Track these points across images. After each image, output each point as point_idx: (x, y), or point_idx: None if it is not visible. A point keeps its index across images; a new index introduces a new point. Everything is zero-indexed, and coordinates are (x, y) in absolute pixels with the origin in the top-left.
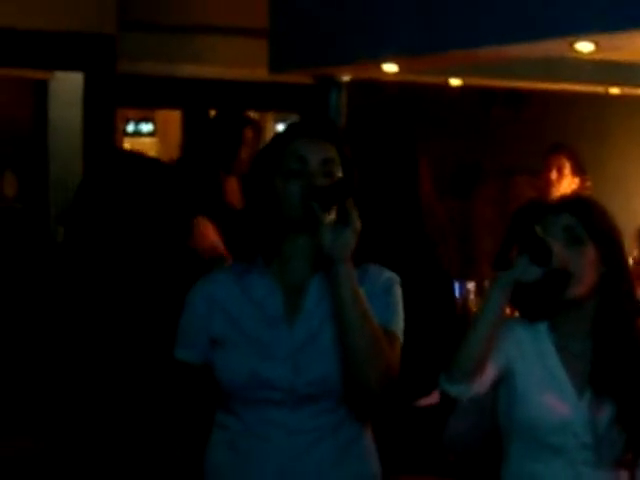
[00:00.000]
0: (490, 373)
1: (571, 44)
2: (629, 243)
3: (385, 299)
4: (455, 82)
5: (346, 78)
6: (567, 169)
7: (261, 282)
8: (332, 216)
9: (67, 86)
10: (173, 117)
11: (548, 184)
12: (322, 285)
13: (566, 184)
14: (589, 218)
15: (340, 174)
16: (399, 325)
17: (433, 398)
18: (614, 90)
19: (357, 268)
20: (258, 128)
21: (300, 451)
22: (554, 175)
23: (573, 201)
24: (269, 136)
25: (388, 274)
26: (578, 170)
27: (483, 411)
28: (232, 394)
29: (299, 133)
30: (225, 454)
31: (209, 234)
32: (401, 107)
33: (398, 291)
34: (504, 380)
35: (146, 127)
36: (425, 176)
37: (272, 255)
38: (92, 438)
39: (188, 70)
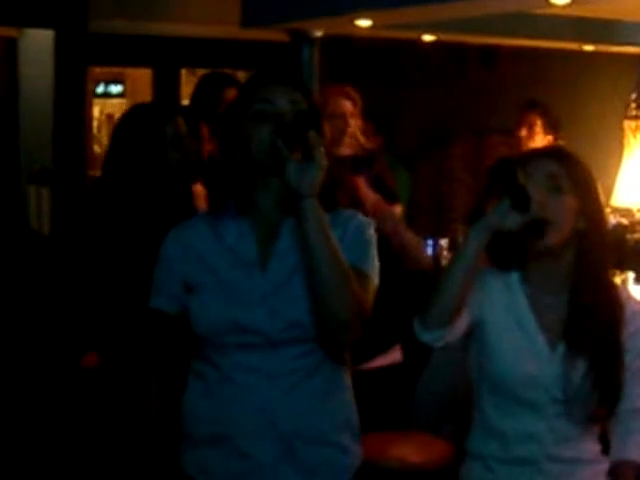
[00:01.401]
0: (462, 322)
1: None
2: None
3: (357, 240)
4: (428, 38)
5: (319, 34)
6: (539, 126)
7: (234, 228)
8: (297, 154)
9: (37, 44)
10: (143, 77)
11: (519, 141)
12: (295, 229)
13: (538, 141)
14: (573, 169)
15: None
16: (371, 265)
17: (395, 355)
18: (588, 47)
19: (330, 212)
20: (238, 83)
21: (278, 396)
22: (524, 132)
23: (558, 150)
24: None
25: (361, 218)
26: (551, 127)
27: (452, 363)
28: (207, 341)
29: (266, 79)
30: (203, 402)
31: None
32: (370, 64)
33: (372, 234)
34: (475, 331)
35: (115, 88)
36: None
37: (244, 201)
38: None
39: (159, 28)
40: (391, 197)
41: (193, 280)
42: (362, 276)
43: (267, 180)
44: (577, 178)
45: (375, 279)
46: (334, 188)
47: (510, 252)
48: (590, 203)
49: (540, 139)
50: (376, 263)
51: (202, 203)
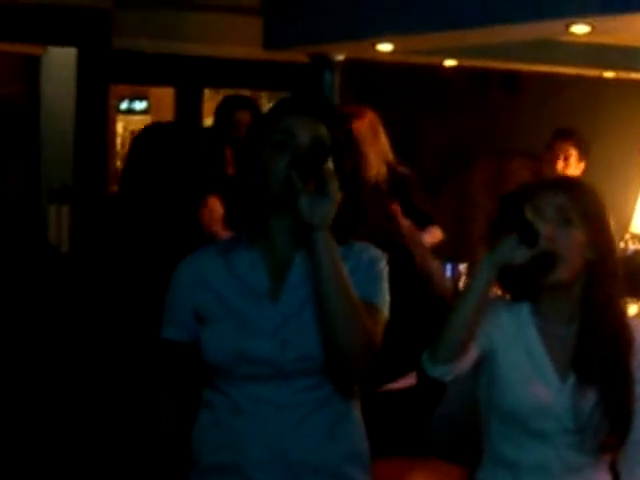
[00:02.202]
0: (472, 354)
1: (567, 26)
2: (619, 226)
3: (369, 273)
4: (450, 63)
5: (340, 57)
6: (574, 156)
7: (246, 258)
8: (312, 186)
9: (60, 61)
10: (167, 95)
11: (554, 171)
12: (306, 261)
13: (572, 170)
14: (582, 200)
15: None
16: (382, 299)
17: (410, 380)
18: (608, 74)
19: (343, 245)
20: (255, 107)
21: (288, 427)
22: (561, 164)
23: (568, 182)
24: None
25: (374, 251)
26: (584, 154)
27: (465, 395)
28: (218, 371)
29: (290, 109)
30: (212, 431)
31: (220, 214)
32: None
33: (383, 267)
34: (485, 362)
35: (140, 105)
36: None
37: (257, 231)
38: (83, 419)
39: (183, 47)
40: (425, 221)
41: (204, 310)
42: (372, 309)
43: (281, 211)
44: (586, 209)
45: (385, 312)
46: (348, 220)
47: (522, 284)
48: (600, 234)
49: (574, 168)
50: (387, 296)
51: (217, 220)
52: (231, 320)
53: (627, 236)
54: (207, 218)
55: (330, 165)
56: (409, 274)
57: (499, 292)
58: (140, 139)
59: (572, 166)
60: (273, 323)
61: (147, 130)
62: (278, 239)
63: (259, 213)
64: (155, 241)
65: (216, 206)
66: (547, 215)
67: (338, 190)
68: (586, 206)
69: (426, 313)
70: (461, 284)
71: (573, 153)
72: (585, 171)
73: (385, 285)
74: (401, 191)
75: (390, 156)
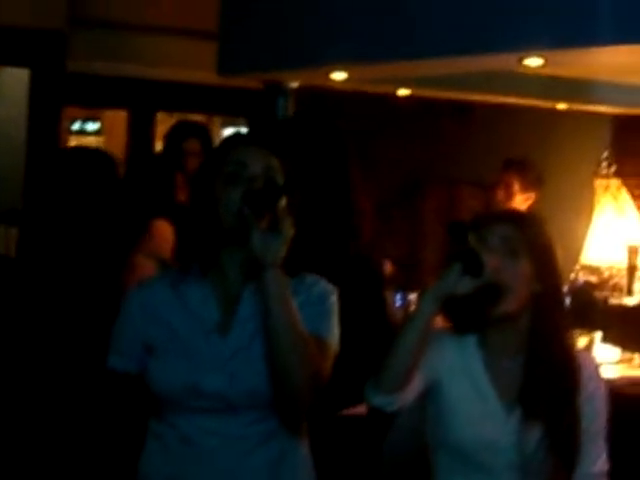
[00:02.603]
0: (416, 386)
1: (520, 59)
2: (570, 257)
3: (319, 308)
4: (403, 92)
5: (294, 84)
6: (516, 186)
7: (196, 290)
8: (265, 223)
9: (13, 82)
10: (120, 116)
11: (498, 201)
12: (256, 294)
13: (517, 201)
14: (528, 232)
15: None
16: (331, 334)
17: (362, 407)
18: (561, 105)
19: (293, 278)
20: (205, 136)
21: (234, 459)
22: (501, 194)
23: (514, 213)
24: (215, 140)
25: (324, 284)
26: (530, 185)
27: (414, 426)
28: (166, 402)
29: (243, 141)
30: (159, 463)
31: (169, 237)
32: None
33: (333, 301)
34: (431, 395)
35: (92, 126)
36: (357, 184)
37: (209, 264)
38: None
39: (137, 70)
40: None
41: (153, 341)
42: (321, 344)
43: (233, 245)
44: (533, 241)
45: (334, 346)
46: (298, 254)
47: (468, 316)
48: (546, 266)
49: (519, 199)
50: (336, 331)
51: (167, 240)
52: (181, 353)
53: (577, 267)
54: (159, 242)
55: (283, 201)
56: (375, 299)
57: (446, 324)
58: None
59: (514, 196)
60: (222, 357)
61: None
62: (229, 272)
63: (211, 246)
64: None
65: (165, 230)
66: (493, 246)
67: (291, 227)
68: (532, 238)
69: (376, 340)
70: None
71: (514, 183)
72: (536, 201)
73: (335, 319)
74: None
75: None
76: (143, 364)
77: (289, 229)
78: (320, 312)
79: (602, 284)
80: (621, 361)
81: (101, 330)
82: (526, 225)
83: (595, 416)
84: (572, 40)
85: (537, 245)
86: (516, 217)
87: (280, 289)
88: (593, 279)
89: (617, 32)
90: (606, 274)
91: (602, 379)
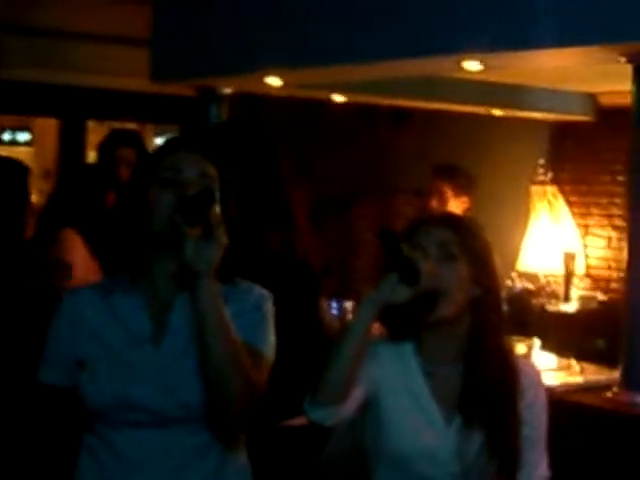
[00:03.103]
0: (356, 397)
1: (459, 62)
2: (506, 264)
3: (253, 317)
4: (338, 98)
5: (227, 91)
6: (448, 192)
7: (127, 301)
8: (197, 230)
9: None
10: (51, 126)
11: (433, 208)
12: (188, 304)
13: (452, 206)
14: (464, 235)
15: (217, 191)
16: (267, 344)
17: (302, 419)
18: (497, 112)
19: (226, 284)
20: (139, 144)
21: (169, 474)
22: (435, 201)
23: (449, 217)
24: (148, 147)
25: (259, 291)
26: (462, 189)
27: (353, 437)
28: (98, 416)
29: (177, 146)
30: (92, 478)
31: (77, 247)
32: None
33: (268, 309)
34: (370, 405)
35: (23, 136)
36: (290, 188)
37: (139, 273)
38: None
39: (67, 78)
40: None
41: (84, 354)
42: (256, 355)
43: (164, 252)
44: (469, 245)
45: (270, 356)
46: (232, 260)
47: (403, 322)
48: (484, 270)
49: (453, 204)
50: (272, 339)
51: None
52: (112, 365)
53: (514, 274)
54: (65, 251)
55: (217, 209)
56: (312, 305)
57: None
58: None
59: (448, 202)
60: (155, 368)
61: None
62: (160, 281)
63: (141, 251)
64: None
65: (73, 240)
66: (429, 252)
67: (225, 235)
68: (469, 241)
69: (312, 349)
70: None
71: (446, 189)
72: (473, 208)
73: (270, 328)
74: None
75: None
76: (74, 377)
77: (222, 237)
78: (255, 321)
79: (539, 291)
80: (560, 368)
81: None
82: (462, 228)
83: (536, 423)
84: (511, 43)
85: (474, 248)
86: (451, 221)
87: (212, 299)
88: (530, 286)
89: (555, 35)
90: (543, 281)
91: (543, 386)
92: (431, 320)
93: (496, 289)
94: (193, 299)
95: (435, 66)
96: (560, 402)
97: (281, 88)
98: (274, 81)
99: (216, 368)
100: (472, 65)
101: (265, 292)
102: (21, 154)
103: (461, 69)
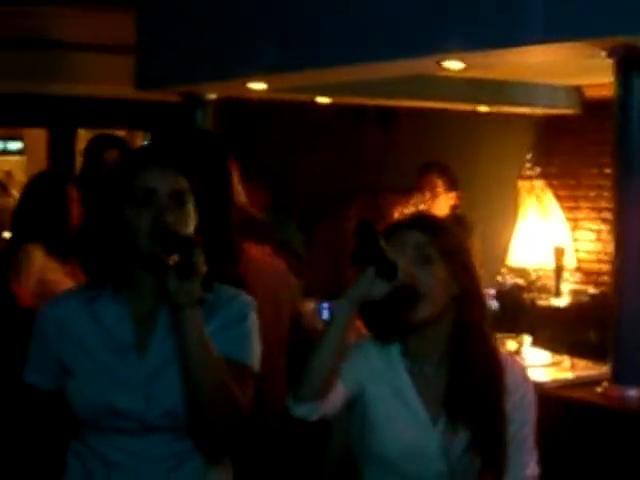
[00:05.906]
0: (340, 395)
1: (439, 62)
2: (496, 260)
3: (239, 329)
4: (322, 100)
5: (212, 96)
6: (440, 187)
7: (111, 309)
8: (176, 256)
9: None
10: (42, 135)
11: (423, 203)
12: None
13: (442, 201)
14: (440, 236)
15: (191, 204)
16: (253, 356)
17: None
18: (482, 108)
19: (209, 291)
20: (123, 146)
21: (156, 478)
22: (427, 195)
23: (423, 219)
24: None
25: (243, 299)
26: (451, 185)
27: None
28: (84, 422)
29: (149, 162)
30: None
31: (37, 261)
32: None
33: (253, 319)
34: (356, 404)
35: (14, 145)
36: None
37: (122, 282)
38: None
39: (55, 88)
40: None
41: (69, 361)
42: (242, 370)
43: (145, 267)
44: (445, 245)
45: (255, 367)
46: (213, 267)
47: (385, 322)
48: (462, 269)
49: (443, 199)
50: (257, 350)
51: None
52: (97, 373)
53: (504, 270)
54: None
55: (194, 243)
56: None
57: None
58: None
59: (439, 197)
60: (139, 377)
61: None
62: (143, 288)
63: (124, 265)
64: None
65: (35, 255)
66: (405, 254)
67: (204, 264)
68: (445, 242)
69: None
70: None
71: (438, 183)
72: (462, 204)
73: (255, 339)
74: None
75: (242, 198)
76: (61, 382)
77: (201, 267)
78: (240, 334)
79: (529, 286)
80: (551, 364)
81: None
82: (438, 230)
83: (524, 421)
84: (491, 42)
85: (450, 248)
86: (426, 223)
87: (195, 328)
88: (520, 281)
89: (537, 32)
90: (533, 276)
91: (530, 383)
92: (413, 322)
93: (476, 287)
94: (176, 329)
95: (416, 66)
96: (550, 398)
97: (265, 92)
98: (258, 85)
99: (200, 395)
100: (453, 64)
101: (249, 299)
102: (13, 163)
103: (442, 68)
